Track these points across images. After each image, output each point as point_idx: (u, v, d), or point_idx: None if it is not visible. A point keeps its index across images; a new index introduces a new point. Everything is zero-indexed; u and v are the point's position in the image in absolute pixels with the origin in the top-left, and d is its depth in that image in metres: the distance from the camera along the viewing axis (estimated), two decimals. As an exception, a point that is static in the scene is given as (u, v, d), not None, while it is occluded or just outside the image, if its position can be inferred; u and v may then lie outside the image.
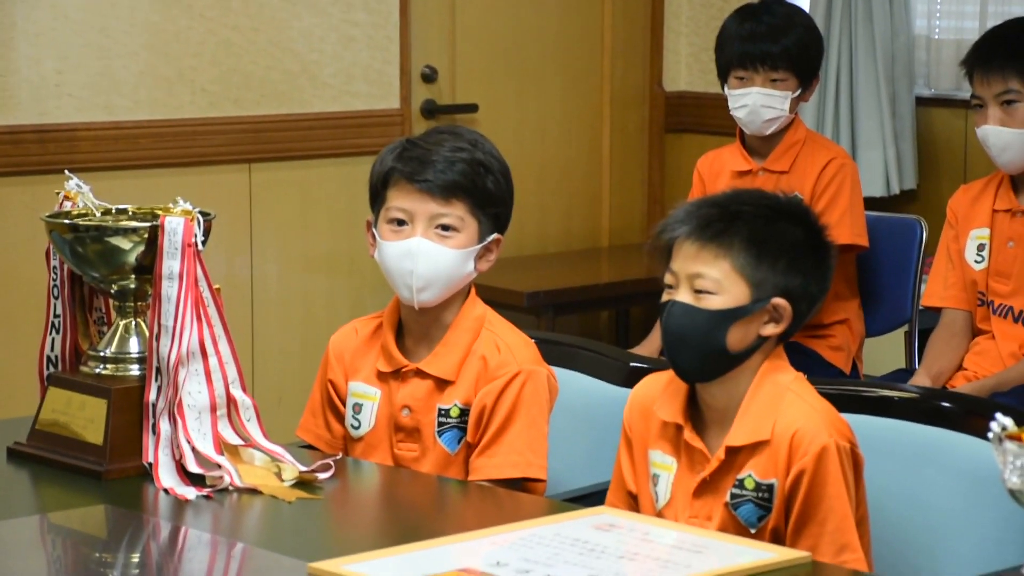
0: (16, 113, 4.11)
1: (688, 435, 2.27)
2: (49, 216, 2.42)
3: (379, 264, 2.52)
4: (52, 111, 4.16)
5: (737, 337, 2.22)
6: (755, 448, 2.22)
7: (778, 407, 2.23)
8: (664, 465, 2.30)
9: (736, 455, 2.23)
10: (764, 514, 2.22)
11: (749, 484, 2.22)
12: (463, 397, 2.51)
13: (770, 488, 2.21)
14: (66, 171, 2.52)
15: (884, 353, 4.22)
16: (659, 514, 2.29)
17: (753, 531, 2.21)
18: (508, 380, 2.48)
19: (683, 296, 2.23)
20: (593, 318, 5.21)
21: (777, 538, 2.21)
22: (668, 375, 2.33)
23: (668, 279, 2.26)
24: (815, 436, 2.19)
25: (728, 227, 2.23)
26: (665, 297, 2.26)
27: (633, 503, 2.34)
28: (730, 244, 2.22)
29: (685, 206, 2.29)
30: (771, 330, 2.24)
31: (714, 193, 2.39)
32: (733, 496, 2.22)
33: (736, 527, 2.22)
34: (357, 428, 2.56)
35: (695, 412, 2.29)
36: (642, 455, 2.33)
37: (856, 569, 2.17)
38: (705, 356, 2.23)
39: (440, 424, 2.51)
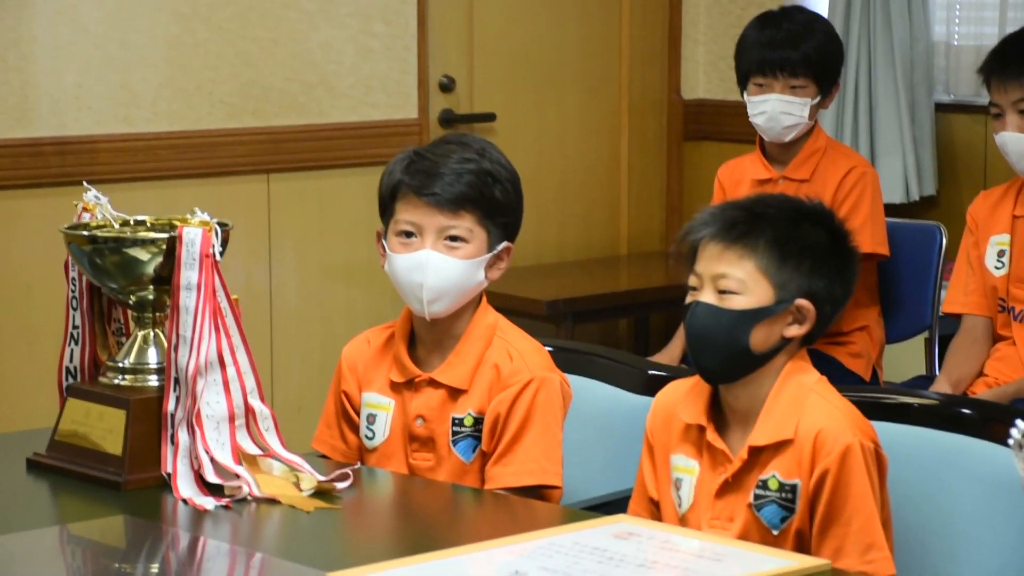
0: (36, 125, 4.13)
1: (711, 436, 2.27)
2: (68, 228, 2.42)
3: (390, 276, 2.53)
4: (71, 123, 4.18)
5: (760, 338, 2.22)
6: (778, 448, 2.22)
7: (801, 407, 2.23)
8: (687, 468, 2.30)
9: (759, 455, 2.23)
10: (787, 515, 2.21)
11: (773, 485, 2.21)
12: (477, 406, 2.50)
13: (794, 488, 2.20)
14: (84, 183, 2.53)
15: (904, 360, 4.21)
16: (682, 519, 2.29)
17: (776, 532, 2.21)
18: (521, 387, 2.48)
19: (707, 296, 2.24)
20: (612, 326, 5.20)
21: (801, 539, 2.21)
22: (691, 381, 2.33)
23: (692, 281, 2.27)
24: (839, 436, 2.19)
25: (752, 228, 2.23)
26: (689, 298, 2.27)
27: (655, 510, 2.34)
28: (755, 245, 2.22)
29: (710, 209, 2.30)
30: (795, 331, 2.24)
31: None
32: (756, 497, 2.22)
33: (759, 528, 2.22)
34: (372, 439, 2.56)
35: (718, 414, 2.30)
36: (664, 461, 2.33)
37: (883, 568, 2.16)
38: (728, 356, 2.23)
39: (454, 433, 2.51)
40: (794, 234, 2.24)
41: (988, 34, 4.70)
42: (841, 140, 4.64)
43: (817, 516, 2.20)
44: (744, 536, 2.21)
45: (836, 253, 2.28)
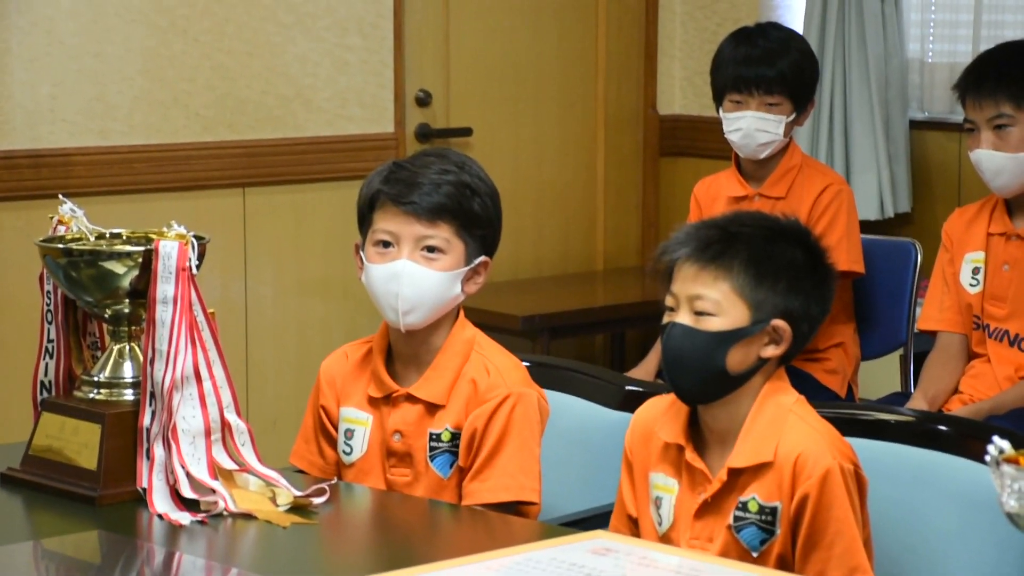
0: (10, 138, 4.11)
1: (689, 455, 2.26)
2: (43, 240, 2.41)
3: (366, 287, 2.52)
4: (46, 136, 4.16)
5: (737, 359, 2.22)
6: (758, 470, 2.21)
7: (781, 429, 2.22)
8: (666, 487, 2.30)
9: (739, 477, 2.22)
10: (767, 537, 2.21)
11: (753, 507, 2.21)
12: (454, 421, 2.50)
13: (774, 511, 2.20)
14: (60, 195, 2.52)
15: (879, 376, 4.22)
16: (662, 538, 2.28)
17: (755, 554, 2.21)
18: (498, 403, 2.47)
19: (683, 318, 2.23)
20: (588, 341, 5.20)
21: (783, 563, 2.20)
22: (669, 398, 2.33)
23: (669, 301, 2.26)
24: (819, 459, 2.19)
25: (727, 248, 2.22)
26: (665, 319, 2.26)
27: (635, 528, 2.34)
28: (729, 265, 2.21)
29: (686, 228, 2.29)
30: (771, 352, 2.24)
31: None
32: (736, 519, 2.22)
33: (738, 550, 2.21)
34: (349, 454, 2.55)
35: (696, 433, 2.29)
36: (643, 479, 2.33)
37: None
38: (705, 378, 2.22)
39: (432, 448, 2.50)
40: (770, 253, 2.23)
41: (962, 52, 4.72)
42: (816, 157, 4.66)
43: (799, 540, 2.19)
44: (723, 557, 2.20)
45: (812, 271, 2.27)
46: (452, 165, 2.50)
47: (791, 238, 2.27)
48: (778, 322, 2.23)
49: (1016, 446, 1.80)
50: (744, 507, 2.21)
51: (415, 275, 2.47)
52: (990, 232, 3.58)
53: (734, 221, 2.28)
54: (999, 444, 1.78)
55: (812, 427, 2.24)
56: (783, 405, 2.24)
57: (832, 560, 2.18)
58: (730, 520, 2.22)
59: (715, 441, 2.27)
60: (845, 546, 2.18)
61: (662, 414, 2.32)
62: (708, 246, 2.23)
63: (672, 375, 2.25)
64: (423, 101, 4.84)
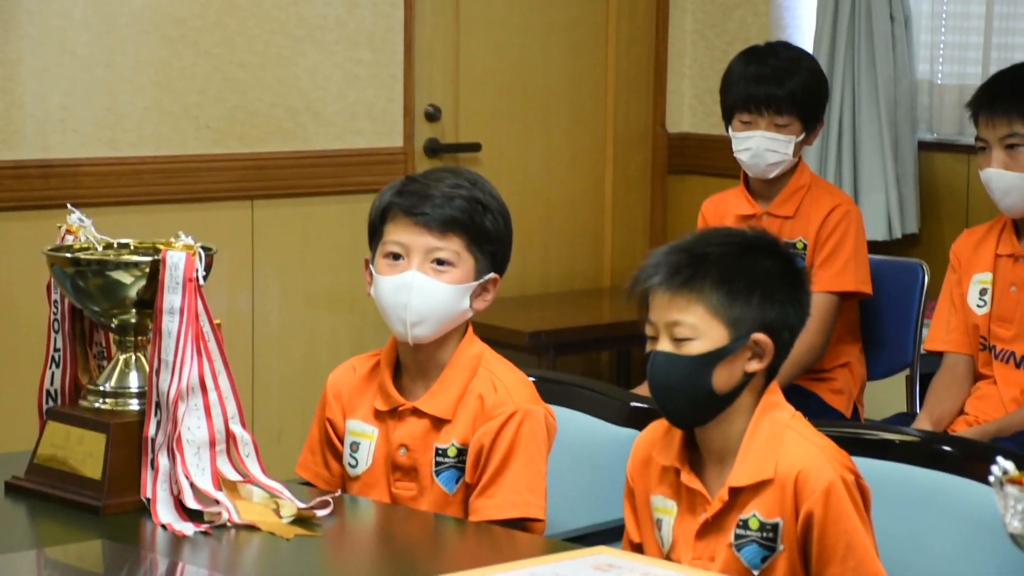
0: (20, 147, 4.12)
1: (686, 477, 2.26)
2: (51, 250, 2.41)
3: (375, 300, 2.52)
4: (56, 146, 4.17)
5: (723, 378, 2.22)
6: (758, 488, 2.21)
7: (779, 446, 2.22)
8: (666, 509, 2.30)
9: (739, 495, 2.22)
10: (768, 555, 2.21)
11: (753, 524, 2.21)
12: (460, 436, 2.50)
13: (775, 528, 2.20)
14: (68, 205, 2.53)
15: (885, 397, 4.21)
16: (666, 559, 2.28)
17: (756, 572, 2.20)
18: (505, 419, 2.47)
19: (664, 345, 2.24)
20: (594, 358, 5.20)
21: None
22: (667, 422, 2.33)
23: (648, 330, 2.27)
24: (820, 474, 2.19)
25: (696, 271, 2.22)
26: (648, 348, 2.26)
27: (639, 554, 2.33)
28: (700, 288, 2.21)
29: (656, 253, 2.29)
30: (756, 366, 2.24)
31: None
32: (737, 537, 2.22)
33: (739, 569, 2.21)
34: (355, 467, 2.55)
35: (694, 454, 2.29)
36: (644, 503, 2.33)
37: None
38: (694, 401, 2.23)
39: (437, 464, 2.50)
40: (739, 269, 2.23)
41: (971, 73, 4.73)
42: (824, 176, 4.66)
43: (812, 558, 2.19)
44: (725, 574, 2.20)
45: (785, 279, 2.26)
46: (465, 181, 2.51)
47: (759, 250, 2.26)
48: (758, 336, 2.23)
49: (1021, 467, 1.80)
50: (745, 525, 2.21)
51: (424, 286, 2.47)
52: (998, 253, 3.57)
53: (700, 241, 2.27)
54: (1003, 465, 1.78)
55: (810, 442, 2.24)
56: (779, 421, 2.24)
57: (848, 574, 2.18)
58: (731, 539, 2.22)
59: (713, 461, 2.27)
60: (859, 558, 2.18)
61: (660, 438, 2.32)
62: (677, 271, 2.23)
63: (661, 403, 2.26)
64: (432, 116, 4.84)
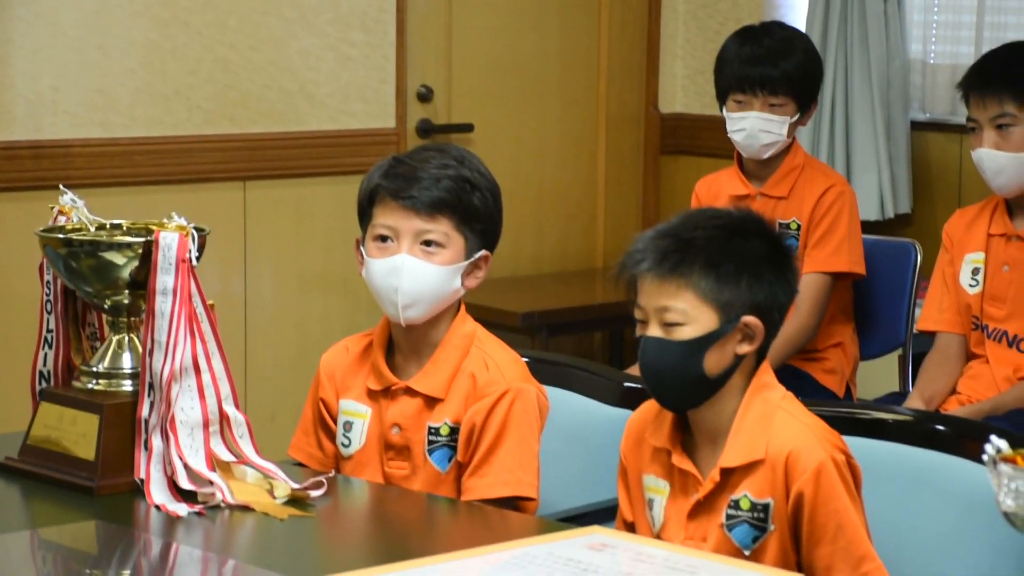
0: (12, 129, 4.11)
1: (677, 459, 2.27)
2: (43, 230, 2.41)
3: (366, 282, 2.52)
4: (48, 127, 4.16)
5: (714, 361, 2.22)
6: (749, 468, 2.22)
7: (770, 426, 2.22)
8: (657, 489, 2.30)
9: (730, 476, 2.23)
10: (759, 535, 2.21)
11: (744, 504, 2.21)
12: (453, 415, 2.50)
13: (765, 508, 2.20)
14: (60, 186, 2.52)
15: (878, 377, 4.22)
16: (656, 538, 2.28)
17: (747, 552, 2.21)
18: (497, 398, 2.47)
19: (654, 331, 2.23)
20: (587, 339, 5.20)
21: (785, 556, 2.20)
22: None
23: (637, 314, 2.26)
24: (811, 454, 2.19)
25: (684, 257, 2.21)
26: (638, 332, 2.26)
27: (632, 532, 2.34)
28: (689, 273, 2.21)
29: (643, 238, 2.27)
30: (746, 348, 2.24)
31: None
32: (728, 517, 2.22)
33: (730, 548, 2.21)
34: (348, 446, 2.55)
35: (686, 435, 2.29)
36: (637, 482, 2.33)
37: None
38: (686, 386, 2.23)
39: (430, 442, 2.50)
40: (727, 253, 2.22)
41: (964, 53, 4.72)
42: (817, 157, 4.65)
43: (803, 537, 2.20)
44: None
45: (772, 260, 2.25)
46: (452, 160, 2.51)
47: (746, 231, 2.26)
48: (748, 318, 2.22)
49: (1014, 446, 1.80)
50: (736, 505, 2.22)
51: (414, 269, 2.47)
52: (990, 233, 3.58)
53: (686, 225, 2.26)
54: (996, 443, 1.79)
55: (801, 422, 2.24)
56: (770, 401, 2.25)
57: (838, 553, 2.18)
58: (722, 519, 2.22)
59: (704, 442, 2.27)
60: (849, 538, 2.18)
61: (652, 419, 2.32)
62: (665, 257, 2.22)
63: (653, 388, 2.26)
64: (425, 97, 4.83)
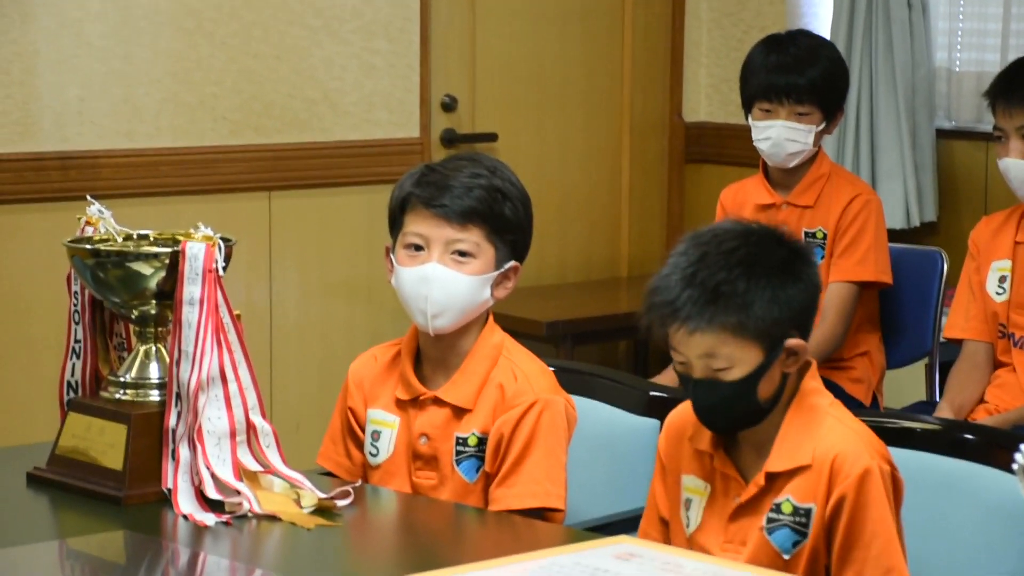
0: (38, 140, 4.13)
1: (719, 462, 2.26)
2: (71, 241, 2.42)
3: (396, 290, 2.52)
4: (74, 138, 4.18)
5: (765, 388, 2.22)
6: (794, 472, 2.21)
7: (818, 431, 2.22)
8: (696, 489, 2.30)
9: (775, 480, 2.23)
10: (799, 539, 2.21)
11: (787, 508, 2.21)
12: (481, 426, 2.50)
13: (808, 512, 2.20)
14: (88, 196, 2.53)
15: (905, 385, 4.20)
16: (689, 539, 2.28)
17: (787, 556, 2.20)
18: (525, 409, 2.47)
19: (701, 374, 2.21)
20: (612, 348, 5.20)
21: (814, 566, 2.19)
22: None
23: (677, 358, 2.23)
24: (856, 459, 2.19)
25: (716, 308, 2.18)
26: (679, 370, 2.24)
27: (665, 530, 2.34)
28: (724, 321, 2.18)
29: (666, 288, 2.22)
30: (793, 366, 2.24)
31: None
32: (769, 520, 2.22)
33: (769, 553, 2.21)
34: (376, 456, 2.55)
35: (729, 438, 2.29)
36: (675, 481, 2.33)
37: None
38: (741, 416, 2.24)
39: (458, 453, 2.50)
40: (755, 287, 2.18)
41: (990, 61, 4.71)
42: (842, 164, 4.64)
43: (836, 541, 2.19)
44: (754, 560, 2.20)
45: (793, 266, 2.22)
46: (484, 169, 2.51)
47: (762, 249, 2.22)
48: (791, 342, 2.22)
49: (1044, 455, 1.79)
50: (778, 509, 2.21)
51: (445, 278, 2.47)
52: (1017, 241, 3.56)
53: (706, 264, 2.20)
54: (1027, 453, 1.78)
55: (849, 428, 2.24)
56: (819, 407, 2.25)
57: (869, 560, 2.18)
58: (763, 522, 2.22)
59: (749, 446, 2.27)
60: (881, 547, 2.18)
61: (693, 420, 2.31)
62: (696, 310, 2.18)
63: (708, 422, 2.25)
64: (449, 106, 4.84)
